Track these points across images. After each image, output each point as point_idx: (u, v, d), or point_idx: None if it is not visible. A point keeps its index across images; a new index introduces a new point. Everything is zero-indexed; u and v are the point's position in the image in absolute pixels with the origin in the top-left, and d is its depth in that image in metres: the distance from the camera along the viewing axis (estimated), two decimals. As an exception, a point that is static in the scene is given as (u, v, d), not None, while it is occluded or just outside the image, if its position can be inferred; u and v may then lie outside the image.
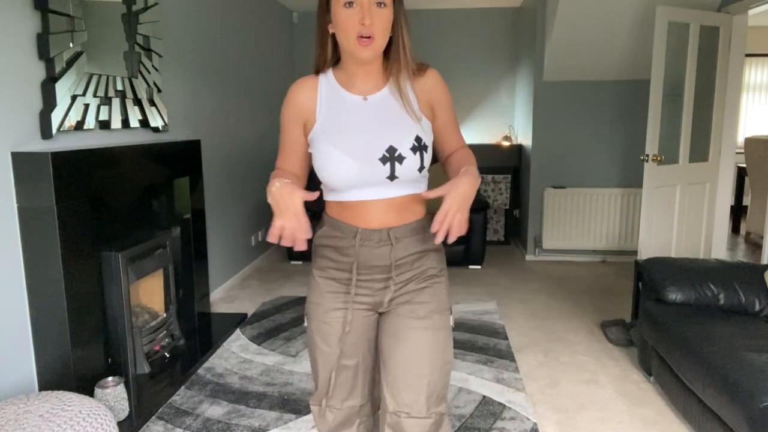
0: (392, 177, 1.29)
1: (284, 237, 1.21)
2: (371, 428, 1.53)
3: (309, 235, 1.22)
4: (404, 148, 1.28)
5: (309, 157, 1.38)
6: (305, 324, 1.47)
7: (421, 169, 1.31)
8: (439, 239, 1.23)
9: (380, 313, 1.43)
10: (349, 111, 1.33)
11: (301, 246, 1.21)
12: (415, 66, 1.35)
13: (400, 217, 1.35)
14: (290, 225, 1.20)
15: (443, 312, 1.40)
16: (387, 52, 1.33)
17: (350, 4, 1.23)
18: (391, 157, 1.28)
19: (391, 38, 1.30)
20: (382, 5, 1.24)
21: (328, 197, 1.40)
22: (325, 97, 1.35)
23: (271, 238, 1.21)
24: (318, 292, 1.42)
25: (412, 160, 1.29)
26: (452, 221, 1.22)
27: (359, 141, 1.29)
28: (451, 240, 1.24)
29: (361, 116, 1.32)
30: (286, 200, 1.20)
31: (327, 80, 1.36)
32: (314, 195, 1.20)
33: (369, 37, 1.23)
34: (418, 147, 1.30)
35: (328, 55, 1.36)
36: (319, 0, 1.31)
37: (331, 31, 1.30)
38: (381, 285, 1.38)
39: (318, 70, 1.38)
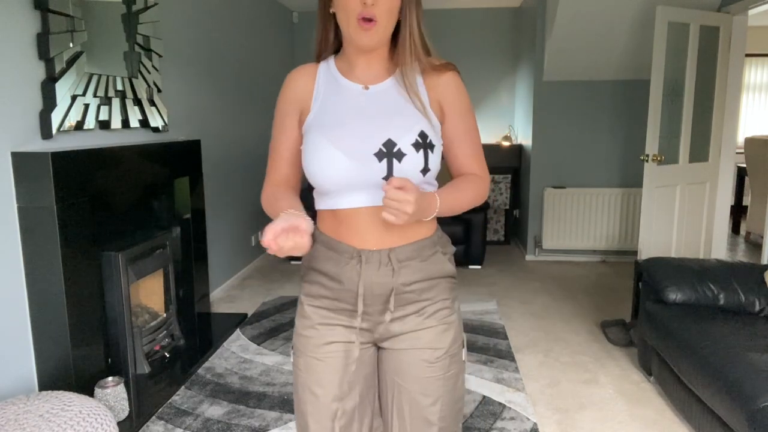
0: (389, 177, 1.09)
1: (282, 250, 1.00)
2: None
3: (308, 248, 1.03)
4: (405, 143, 1.09)
5: (297, 156, 1.20)
6: (291, 359, 1.26)
7: (424, 171, 1.11)
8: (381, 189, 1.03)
9: (378, 346, 1.23)
10: (346, 100, 1.16)
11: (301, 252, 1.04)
12: (437, 61, 1.18)
13: (402, 234, 1.14)
14: (289, 251, 1.00)
15: (456, 353, 1.21)
16: (395, 39, 1.17)
17: None
18: (389, 152, 1.09)
19: (399, 23, 1.14)
20: None
21: (319, 206, 1.20)
22: (323, 84, 1.19)
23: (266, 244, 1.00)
24: (308, 323, 1.20)
25: (413, 158, 1.09)
26: (396, 206, 0.99)
27: (353, 133, 1.11)
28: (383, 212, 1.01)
29: (359, 106, 1.15)
30: (284, 246, 1.00)
31: (327, 67, 1.21)
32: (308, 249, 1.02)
33: (371, 20, 1.08)
34: (422, 144, 1.10)
35: (330, 39, 1.21)
36: None
37: (332, 10, 1.15)
38: (381, 317, 1.18)
39: (319, 57, 1.24)
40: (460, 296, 4.07)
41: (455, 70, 1.20)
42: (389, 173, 1.09)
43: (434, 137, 1.14)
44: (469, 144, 1.22)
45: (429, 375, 1.18)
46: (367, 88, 1.17)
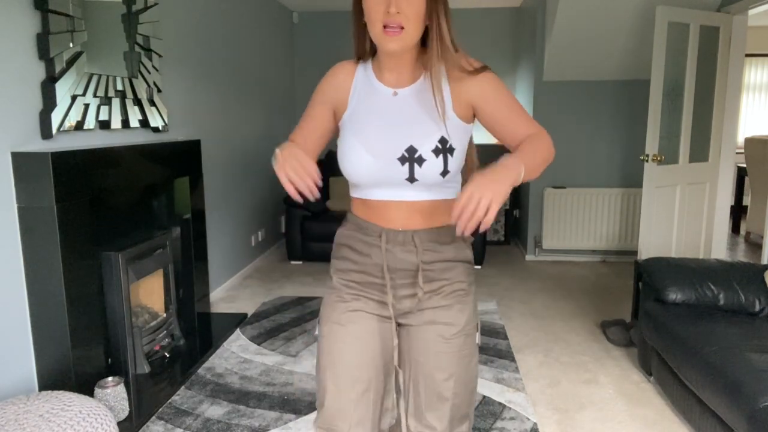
0: (411, 179, 1.21)
1: (296, 185, 1.08)
2: None
3: (317, 178, 1.09)
4: (425, 150, 1.19)
5: (324, 139, 1.30)
6: (317, 332, 1.35)
7: (444, 173, 1.20)
8: (459, 231, 1.04)
9: (399, 324, 1.33)
10: (376, 103, 1.25)
11: (314, 192, 1.09)
12: (468, 66, 1.22)
13: (425, 221, 1.26)
14: (292, 168, 1.07)
15: (471, 334, 1.31)
16: (424, 43, 1.21)
17: None
18: (411, 158, 1.19)
19: (428, 27, 1.18)
20: None
21: (352, 193, 1.34)
22: (360, 85, 1.28)
23: (290, 191, 1.09)
24: (336, 293, 1.32)
25: (433, 163, 1.19)
26: (473, 210, 1.02)
27: (380, 137, 1.21)
28: (470, 230, 1.05)
29: (387, 112, 1.24)
30: (286, 153, 1.10)
31: (364, 68, 1.29)
32: (317, 178, 1.09)
33: (398, 28, 1.13)
34: (442, 149, 1.19)
35: (366, 46, 1.27)
36: None
37: (364, 20, 1.21)
38: (405, 291, 1.28)
39: (358, 59, 1.31)
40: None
41: (489, 71, 1.24)
42: (411, 176, 1.20)
43: (455, 141, 1.21)
44: (515, 118, 1.24)
45: (444, 350, 1.27)
46: (395, 93, 1.25)
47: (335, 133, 1.33)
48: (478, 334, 1.34)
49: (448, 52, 1.19)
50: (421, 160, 1.19)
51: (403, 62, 1.23)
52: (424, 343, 1.28)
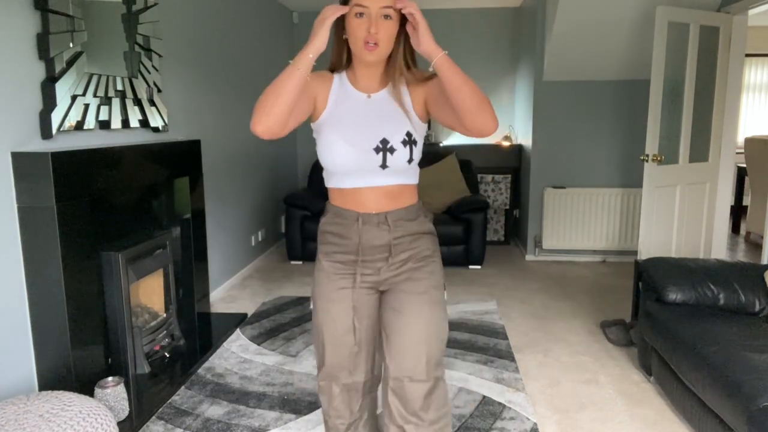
0: (384, 166, 1.48)
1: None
2: (374, 410, 1.72)
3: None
4: (396, 141, 1.48)
5: (301, 109, 1.46)
6: (311, 307, 1.62)
7: (410, 161, 1.50)
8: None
9: (381, 292, 1.60)
10: (353, 106, 1.52)
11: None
12: (420, 75, 1.51)
13: (394, 203, 1.54)
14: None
15: (439, 287, 1.58)
16: (390, 60, 1.50)
17: (361, 14, 1.41)
18: (384, 148, 1.47)
19: (393, 49, 1.48)
20: (389, 18, 1.41)
21: (328, 184, 1.58)
22: (337, 91, 1.53)
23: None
24: (325, 273, 1.58)
25: (401, 152, 1.48)
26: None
27: (358, 132, 1.48)
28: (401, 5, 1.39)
29: (362, 111, 1.51)
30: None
31: (340, 78, 1.55)
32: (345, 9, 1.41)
33: (374, 44, 1.41)
34: (408, 141, 1.49)
35: (343, 59, 1.54)
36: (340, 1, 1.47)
37: (345, 37, 1.48)
38: (381, 264, 1.55)
39: (332, 69, 1.56)
40: (461, 296, 4.07)
41: (434, 77, 1.49)
42: (384, 163, 1.48)
43: (417, 135, 1.52)
44: None
45: (419, 302, 1.54)
46: (369, 96, 1.53)
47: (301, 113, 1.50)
48: (445, 292, 1.62)
49: (404, 67, 1.50)
50: (392, 150, 1.47)
51: (375, 72, 1.52)
52: (404, 297, 1.55)
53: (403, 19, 1.44)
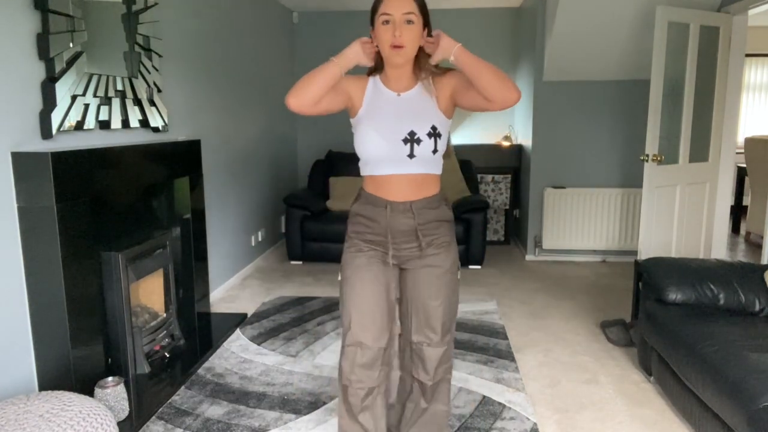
0: (411, 155, 1.68)
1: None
2: (388, 386, 1.91)
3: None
4: (422, 134, 1.68)
5: (334, 99, 1.71)
6: (339, 277, 1.84)
7: (434, 151, 1.70)
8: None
9: (402, 269, 1.84)
10: (385, 103, 1.74)
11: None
12: (441, 71, 1.73)
13: (419, 192, 1.74)
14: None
15: (455, 271, 1.84)
16: (417, 59, 1.71)
17: (386, 22, 1.63)
18: (411, 139, 1.68)
19: (421, 48, 1.69)
20: (411, 22, 1.62)
21: (364, 172, 1.80)
22: (371, 91, 1.76)
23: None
24: (356, 249, 1.80)
25: (427, 143, 1.68)
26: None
27: (388, 125, 1.69)
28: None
29: (393, 107, 1.73)
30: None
31: (374, 81, 1.78)
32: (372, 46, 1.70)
33: (399, 46, 1.62)
34: (434, 134, 1.69)
35: (378, 64, 1.76)
36: (369, 19, 1.70)
37: (375, 45, 1.69)
38: (406, 246, 1.77)
39: (370, 74, 1.79)
40: (461, 296, 4.07)
41: (454, 71, 1.73)
42: (411, 152, 1.68)
43: (441, 129, 1.71)
44: None
45: (436, 284, 1.79)
46: (399, 95, 1.75)
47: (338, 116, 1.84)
48: (459, 272, 1.87)
49: (429, 66, 1.71)
50: (419, 141, 1.68)
51: (403, 73, 1.74)
52: (422, 278, 1.80)
53: (425, 22, 1.68)
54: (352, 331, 1.76)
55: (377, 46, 1.69)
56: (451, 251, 1.82)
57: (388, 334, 1.79)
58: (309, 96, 1.63)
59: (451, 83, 1.71)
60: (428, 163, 1.72)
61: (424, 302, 1.79)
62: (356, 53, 1.67)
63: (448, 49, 1.61)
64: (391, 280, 1.80)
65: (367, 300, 1.75)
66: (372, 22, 1.68)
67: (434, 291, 1.79)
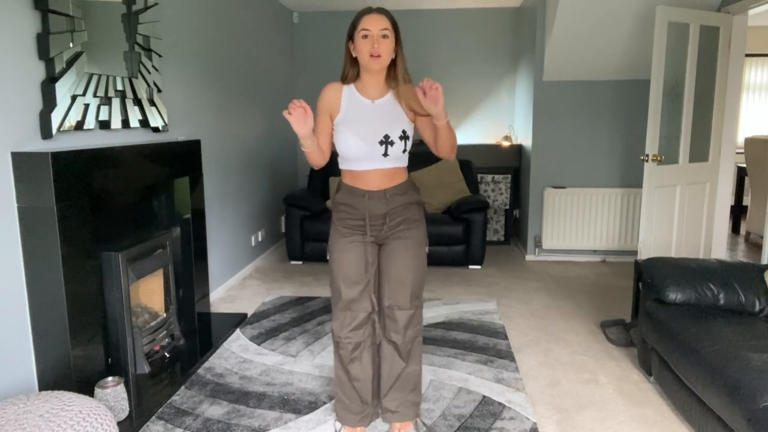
0: (386, 154, 2.01)
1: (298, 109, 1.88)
2: (373, 339, 2.20)
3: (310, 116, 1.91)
4: (395, 137, 2.01)
5: (331, 137, 2.07)
6: (328, 257, 2.15)
7: (404, 150, 2.04)
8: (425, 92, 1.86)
9: (380, 245, 2.14)
10: (361, 109, 2.03)
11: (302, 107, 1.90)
12: (416, 101, 1.96)
13: (391, 181, 2.07)
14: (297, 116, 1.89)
15: (422, 243, 2.16)
16: (389, 72, 2.02)
17: (366, 36, 1.93)
18: (386, 141, 2.00)
19: (393, 60, 2.00)
20: (386, 36, 1.94)
21: (343, 167, 2.10)
22: (347, 99, 2.05)
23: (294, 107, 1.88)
24: (341, 233, 2.11)
25: (399, 144, 2.02)
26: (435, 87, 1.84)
27: (366, 129, 2.00)
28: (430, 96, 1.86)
29: (368, 114, 2.03)
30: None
31: (349, 89, 2.06)
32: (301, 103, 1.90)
33: (377, 56, 1.93)
34: (404, 136, 2.02)
35: (351, 72, 2.04)
36: (348, 35, 1.99)
37: (353, 54, 1.99)
38: (382, 225, 2.09)
39: (343, 81, 2.06)
40: (461, 296, 4.07)
41: (410, 84, 2.05)
42: (386, 152, 2.01)
43: (409, 131, 2.06)
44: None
45: (407, 255, 2.11)
46: (373, 102, 2.05)
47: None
48: (427, 247, 2.19)
49: (400, 76, 2.01)
50: (392, 143, 2.00)
51: (378, 81, 2.04)
52: (395, 251, 2.11)
53: (397, 37, 1.98)
54: (343, 301, 2.10)
55: (355, 57, 1.98)
56: (419, 227, 2.14)
57: (371, 299, 2.12)
58: (316, 162, 2.07)
59: (416, 109, 2.01)
60: (398, 159, 2.05)
61: (397, 270, 2.10)
62: (299, 129, 1.90)
63: (442, 116, 1.91)
64: (369, 253, 2.11)
65: (353, 275, 2.09)
66: (351, 37, 1.97)
67: (405, 260, 2.10)
